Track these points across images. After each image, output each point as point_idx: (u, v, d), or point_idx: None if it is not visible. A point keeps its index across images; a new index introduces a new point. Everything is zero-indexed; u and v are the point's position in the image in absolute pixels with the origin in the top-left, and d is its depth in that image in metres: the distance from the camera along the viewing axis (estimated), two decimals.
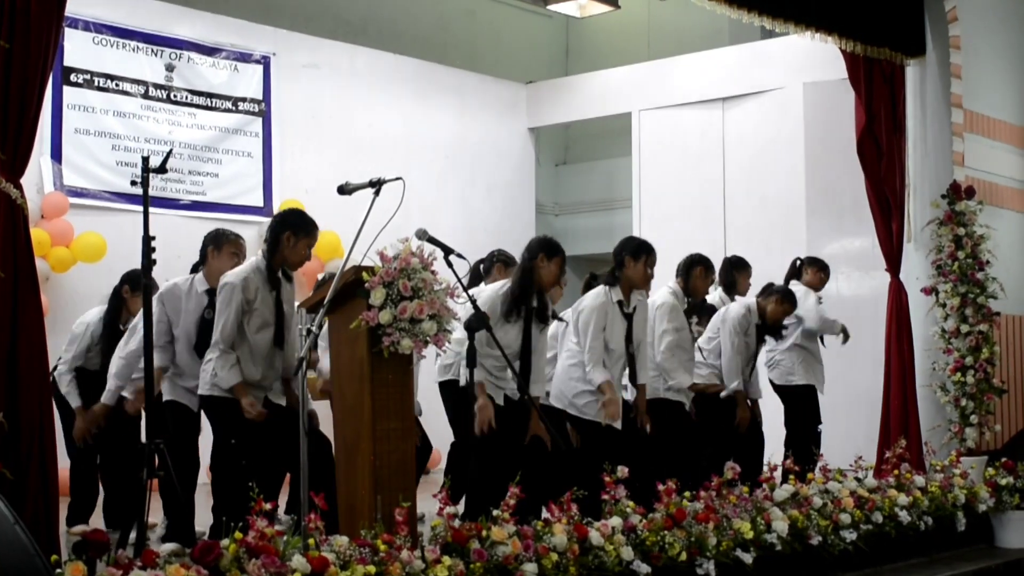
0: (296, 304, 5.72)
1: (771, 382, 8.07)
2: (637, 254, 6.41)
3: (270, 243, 5.73)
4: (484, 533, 4.60)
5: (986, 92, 8.78)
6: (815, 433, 7.90)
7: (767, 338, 7.60)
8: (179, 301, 6.12)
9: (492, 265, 7.16)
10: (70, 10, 4.96)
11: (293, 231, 5.69)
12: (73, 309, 8.09)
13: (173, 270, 6.58)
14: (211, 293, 6.05)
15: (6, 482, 4.10)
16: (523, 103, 12.37)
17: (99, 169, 9.08)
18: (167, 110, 9.56)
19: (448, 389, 6.26)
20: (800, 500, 6.11)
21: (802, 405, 7.98)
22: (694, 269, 7.04)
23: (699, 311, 7.42)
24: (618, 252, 6.47)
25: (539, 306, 6.08)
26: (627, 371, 6.50)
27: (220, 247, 6.23)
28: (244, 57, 10.06)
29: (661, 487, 5.51)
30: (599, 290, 6.43)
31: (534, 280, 6.03)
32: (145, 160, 5.04)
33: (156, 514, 6.48)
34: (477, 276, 7.08)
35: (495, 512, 4.75)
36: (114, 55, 9.29)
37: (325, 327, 5.00)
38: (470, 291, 5.54)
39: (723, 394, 7.35)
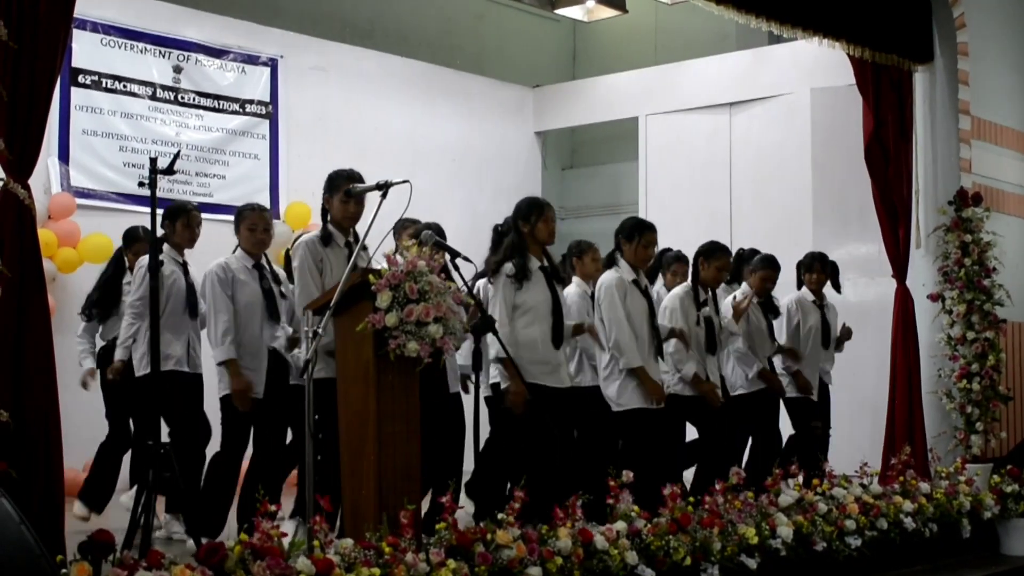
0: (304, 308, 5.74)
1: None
2: (631, 235, 6.58)
3: (322, 212, 5.77)
4: (489, 536, 4.60)
5: (993, 99, 8.78)
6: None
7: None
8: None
9: (668, 266, 7.77)
10: (78, 11, 4.97)
11: (328, 193, 5.70)
12: (79, 309, 8.10)
13: None
14: (259, 267, 6.27)
15: (12, 481, 4.10)
16: (530, 107, 12.38)
17: (106, 170, 9.09)
18: (174, 112, 9.57)
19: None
20: (805, 506, 6.10)
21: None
22: (696, 260, 7.16)
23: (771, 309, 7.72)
24: (615, 235, 6.68)
25: (551, 266, 6.20)
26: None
27: (238, 225, 6.35)
28: (251, 59, 10.08)
29: (666, 491, 5.51)
30: (608, 272, 6.65)
31: (525, 242, 6.09)
32: (153, 161, 5.06)
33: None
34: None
35: (500, 515, 4.75)
36: (122, 56, 9.30)
37: None
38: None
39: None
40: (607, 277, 6.60)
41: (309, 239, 5.65)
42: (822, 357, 7.96)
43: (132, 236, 7.09)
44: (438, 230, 6.29)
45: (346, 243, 5.66)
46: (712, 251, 7.15)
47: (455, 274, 5.64)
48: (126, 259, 7.05)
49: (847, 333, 8.08)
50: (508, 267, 6.02)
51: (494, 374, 6.05)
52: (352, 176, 5.64)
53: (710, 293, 7.16)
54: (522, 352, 5.92)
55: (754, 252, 8.04)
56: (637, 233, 6.58)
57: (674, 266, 7.83)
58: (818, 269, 7.95)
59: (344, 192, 5.55)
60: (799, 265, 8.05)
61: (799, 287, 8.03)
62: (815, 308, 7.95)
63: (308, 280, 5.52)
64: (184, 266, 6.51)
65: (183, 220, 6.47)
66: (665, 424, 6.60)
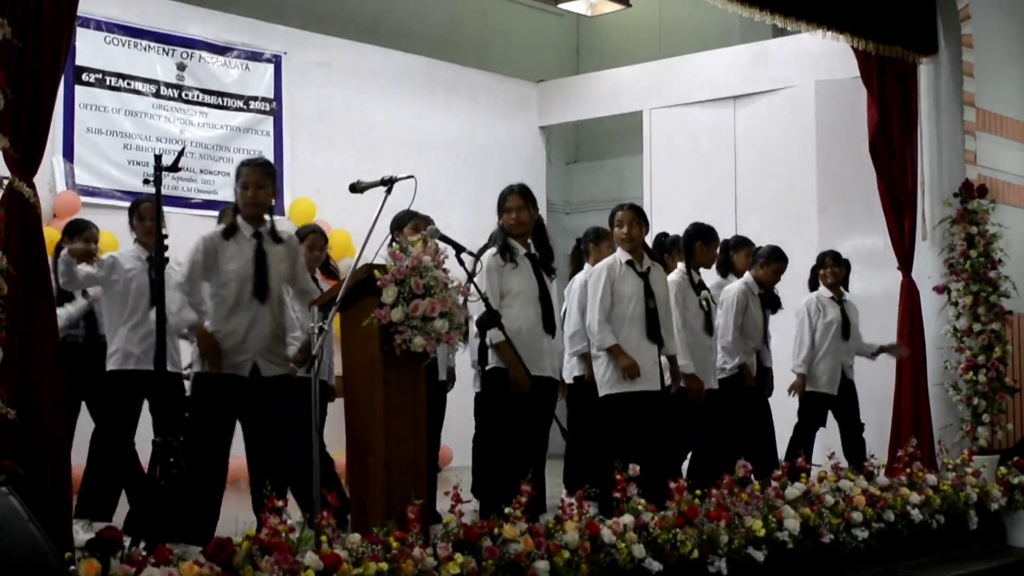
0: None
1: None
2: (610, 220, 6.72)
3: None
4: (496, 530, 4.61)
5: (998, 90, 8.77)
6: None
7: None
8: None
9: (588, 245, 7.68)
10: (82, 9, 4.97)
11: None
12: None
13: None
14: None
15: (20, 479, 4.11)
16: (534, 101, 12.37)
17: (111, 168, 9.10)
18: (179, 109, 9.58)
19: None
20: (812, 498, 6.11)
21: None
22: (694, 244, 7.18)
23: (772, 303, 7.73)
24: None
25: (542, 255, 6.16)
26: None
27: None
28: (255, 56, 10.08)
29: (672, 485, 5.51)
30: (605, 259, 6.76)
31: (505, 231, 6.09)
32: (158, 158, 5.05)
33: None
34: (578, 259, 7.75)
35: (507, 510, 4.75)
36: (126, 54, 9.30)
37: None
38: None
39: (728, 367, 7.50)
40: (602, 262, 6.70)
41: (207, 234, 5.64)
42: (843, 350, 7.92)
43: (74, 227, 6.76)
44: (411, 215, 6.31)
45: (254, 234, 5.57)
46: (711, 235, 7.26)
47: (459, 269, 5.64)
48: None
49: (897, 351, 8.08)
50: (490, 252, 6.01)
51: (491, 362, 5.99)
52: (246, 162, 5.65)
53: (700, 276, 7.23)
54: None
55: (739, 240, 8.06)
56: (612, 215, 6.69)
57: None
58: (830, 264, 7.96)
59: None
60: (813, 268, 8.05)
61: (814, 287, 8.01)
62: (833, 303, 7.95)
63: (187, 269, 5.58)
64: (149, 261, 6.23)
65: (136, 215, 6.39)
66: (659, 411, 6.54)
